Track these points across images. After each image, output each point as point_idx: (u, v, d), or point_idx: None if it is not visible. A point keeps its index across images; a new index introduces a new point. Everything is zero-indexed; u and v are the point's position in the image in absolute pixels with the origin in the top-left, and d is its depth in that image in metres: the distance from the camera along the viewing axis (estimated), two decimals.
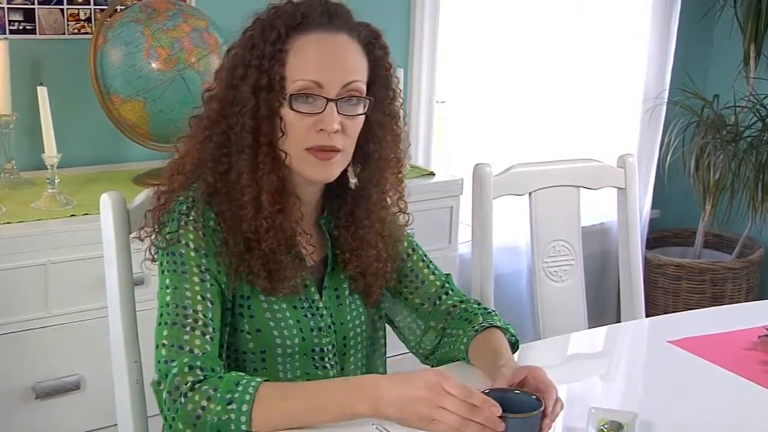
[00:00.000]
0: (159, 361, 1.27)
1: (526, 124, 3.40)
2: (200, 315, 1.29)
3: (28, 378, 2.04)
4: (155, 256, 1.37)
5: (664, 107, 3.60)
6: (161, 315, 1.31)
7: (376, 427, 1.24)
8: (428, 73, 3.02)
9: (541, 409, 1.19)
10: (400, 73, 2.61)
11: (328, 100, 1.32)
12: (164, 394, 1.24)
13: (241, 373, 1.26)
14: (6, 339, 2.01)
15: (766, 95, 3.48)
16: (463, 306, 1.53)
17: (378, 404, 1.18)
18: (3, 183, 2.29)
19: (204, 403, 1.21)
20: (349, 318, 1.46)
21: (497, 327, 1.46)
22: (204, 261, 1.33)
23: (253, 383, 1.22)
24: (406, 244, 1.56)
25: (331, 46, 1.33)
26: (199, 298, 1.30)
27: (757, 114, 3.47)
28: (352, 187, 1.43)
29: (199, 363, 1.25)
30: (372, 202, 1.45)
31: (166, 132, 2.34)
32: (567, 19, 3.40)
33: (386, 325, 1.58)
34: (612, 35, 3.52)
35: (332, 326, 1.43)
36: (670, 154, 3.59)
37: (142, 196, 1.50)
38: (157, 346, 1.29)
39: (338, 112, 1.32)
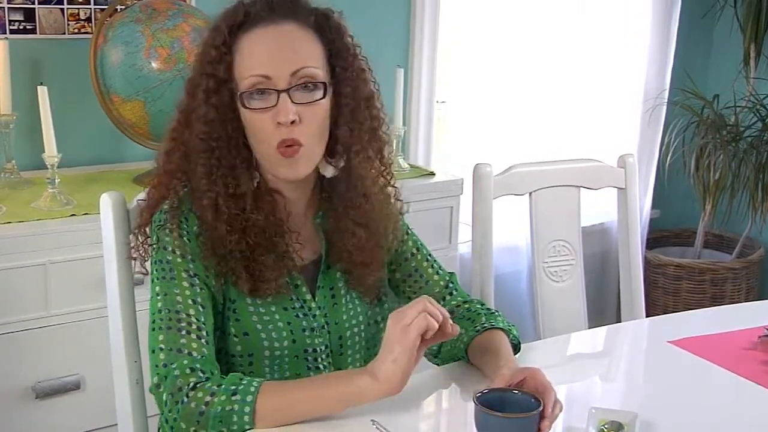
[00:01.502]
0: (157, 365, 1.27)
1: (526, 124, 3.40)
2: (193, 319, 1.30)
3: (28, 378, 2.04)
4: (146, 268, 1.38)
5: (664, 107, 3.60)
6: (154, 321, 1.31)
7: (376, 426, 1.24)
8: (428, 73, 3.02)
9: (540, 409, 1.19)
10: (400, 73, 2.64)
11: (279, 91, 1.30)
12: (164, 396, 1.24)
13: (240, 374, 1.27)
14: (6, 339, 2.01)
15: (766, 95, 3.48)
16: (466, 306, 1.53)
17: (373, 370, 1.22)
18: (3, 183, 2.29)
19: (207, 398, 1.21)
20: (345, 317, 1.45)
21: (499, 329, 1.46)
22: (191, 266, 1.33)
23: (257, 379, 1.24)
24: (410, 243, 1.56)
25: (275, 37, 1.31)
26: (190, 302, 1.31)
27: (757, 114, 3.47)
28: (327, 176, 1.41)
29: (198, 365, 1.25)
30: (348, 189, 1.42)
31: None
32: (567, 19, 3.40)
33: None
34: (612, 35, 3.52)
35: (326, 326, 1.43)
36: (670, 154, 3.59)
37: (142, 196, 1.50)
38: (153, 351, 1.29)
39: (293, 102, 1.30)
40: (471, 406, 1.21)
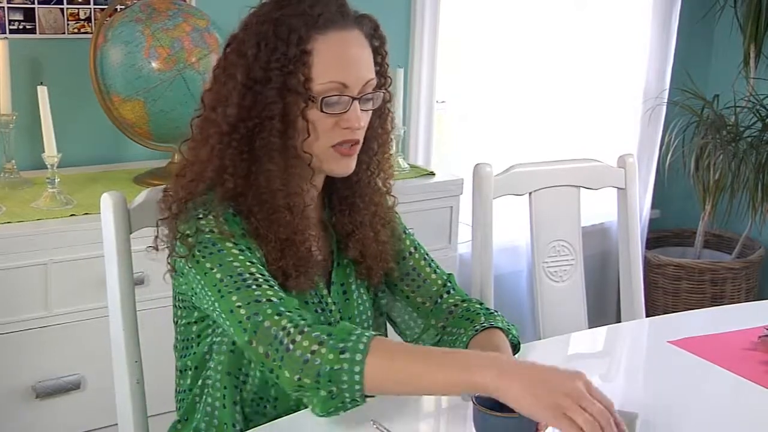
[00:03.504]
0: (241, 321, 1.23)
1: (526, 124, 3.40)
2: (257, 275, 1.27)
3: (29, 377, 2.05)
4: (175, 266, 1.35)
5: (664, 107, 3.60)
6: (220, 290, 1.26)
7: (377, 427, 1.24)
8: (428, 72, 3.02)
9: None
10: (400, 72, 2.63)
11: (353, 98, 1.33)
12: (261, 349, 1.21)
13: (352, 325, 1.24)
14: (6, 339, 2.01)
15: (766, 95, 3.48)
16: (465, 305, 1.53)
17: (503, 373, 1.12)
18: (3, 182, 2.29)
19: (314, 347, 1.18)
20: (356, 313, 1.47)
21: (498, 328, 1.46)
22: (234, 239, 1.30)
23: (367, 334, 1.20)
24: (408, 242, 1.56)
25: (350, 44, 1.33)
26: (248, 263, 1.28)
27: (757, 114, 3.47)
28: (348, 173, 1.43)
29: (283, 308, 1.23)
30: (366, 185, 1.46)
31: (167, 132, 2.34)
32: (567, 18, 3.40)
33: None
34: (612, 35, 3.52)
35: (341, 322, 1.44)
36: (670, 154, 3.59)
37: (143, 195, 1.50)
38: (231, 311, 1.24)
39: (361, 109, 1.34)
40: (470, 405, 1.21)
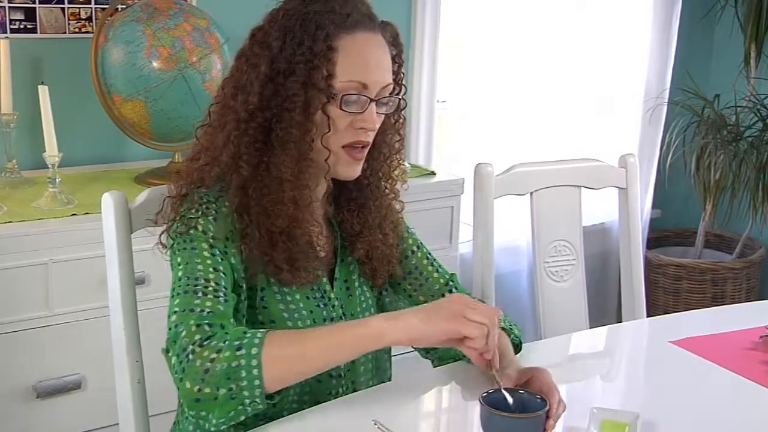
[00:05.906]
0: (170, 329, 1.25)
1: (527, 123, 3.40)
2: (212, 282, 1.28)
3: (29, 377, 2.04)
4: (166, 242, 1.36)
5: (665, 107, 3.60)
6: (173, 289, 1.29)
7: (378, 426, 1.24)
8: (429, 72, 3.02)
9: (546, 409, 1.19)
10: None
11: (371, 100, 1.34)
12: (173, 360, 1.22)
13: (245, 328, 1.25)
14: (7, 338, 2.01)
15: (766, 95, 3.48)
16: None
17: (399, 316, 1.24)
18: (4, 182, 2.29)
19: (213, 356, 1.18)
20: (359, 309, 1.47)
21: (501, 328, 1.46)
22: (213, 242, 1.32)
23: (262, 330, 1.22)
24: (411, 241, 1.57)
25: (374, 47, 1.35)
26: (211, 269, 1.30)
27: (758, 114, 3.47)
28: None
29: (206, 321, 1.23)
30: (376, 188, 1.47)
31: (167, 131, 2.34)
32: (568, 18, 3.40)
33: None
34: (613, 35, 3.52)
35: (343, 317, 1.44)
36: (670, 154, 3.59)
37: (144, 195, 1.50)
38: (168, 316, 1.27)
39: (377, 112, 1.36)
40: (471, 405, 1.21)
